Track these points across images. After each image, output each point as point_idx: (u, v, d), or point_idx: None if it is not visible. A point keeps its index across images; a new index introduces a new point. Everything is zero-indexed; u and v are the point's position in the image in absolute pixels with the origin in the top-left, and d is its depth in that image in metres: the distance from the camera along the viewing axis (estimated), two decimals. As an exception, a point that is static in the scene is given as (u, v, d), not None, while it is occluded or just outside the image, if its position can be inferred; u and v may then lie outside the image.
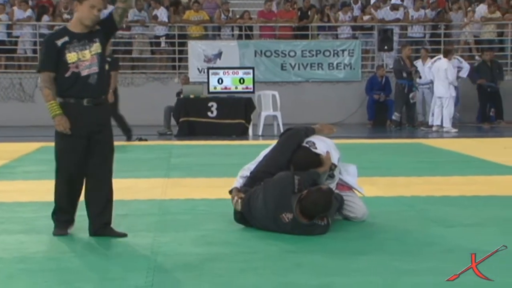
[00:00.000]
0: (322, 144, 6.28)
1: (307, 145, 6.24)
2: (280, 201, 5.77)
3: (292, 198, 5.73)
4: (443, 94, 16.50)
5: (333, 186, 6.25)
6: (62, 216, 5.83)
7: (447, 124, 16.51)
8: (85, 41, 5.58)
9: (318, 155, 6.16)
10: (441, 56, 16.96)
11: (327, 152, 6.20)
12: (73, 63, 5.54)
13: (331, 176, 6.23)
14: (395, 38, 19.32)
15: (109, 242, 5.41)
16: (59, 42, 5.57)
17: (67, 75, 5.57)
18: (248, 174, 6.31)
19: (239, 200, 6.06)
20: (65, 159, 5.70)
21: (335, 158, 6.28)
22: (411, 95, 17.30)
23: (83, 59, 5.54)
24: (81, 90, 5.59)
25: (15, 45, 19.65)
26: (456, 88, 16.68)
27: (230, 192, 6.27)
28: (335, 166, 6.27)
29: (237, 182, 6.32)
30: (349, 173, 6.58)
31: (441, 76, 16.44)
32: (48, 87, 5.62)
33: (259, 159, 6.41)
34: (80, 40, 5.58)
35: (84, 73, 5.58)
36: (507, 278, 4.28)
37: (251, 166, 6.38)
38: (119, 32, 19.80)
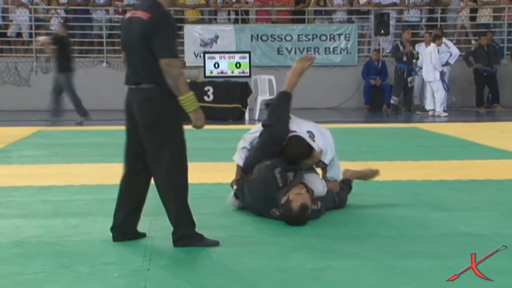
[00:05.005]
0: (321, 141, 6.19)
1: (307, 135, 6.15)
2: (266, 200, 5.77)
3: (277, 194, 5.71)
4: (429, 79, 16.59)
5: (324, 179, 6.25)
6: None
7: (438, 108, 16.55)
8: None
9: (312, 148, 6.04)
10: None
11: (321, 151, 6.13)
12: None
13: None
14: (392, 22, 19.29)
15: (106, 226, 5.40)
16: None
17: None
18: (247, 146, 6.27)
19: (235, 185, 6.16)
20: (185, 152, 5.15)
21: (328, 157, 6.22)
22: (409, 79, 17.29)
23: None
24: None
25: (10, 29, 19.61)
26: (441, 73, 16.64)
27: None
28: (325, 165, 6.23)
29: (239, 156, 6.27)
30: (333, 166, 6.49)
31: (427, 61, 16.51)
32: (183, 74, 4.93)
33: (256, 130, 6.34)
34: None
35: None
36: (507, 278, 4.29)
37: (249, 136, 6.33)
38: (115, 16, 19.76)
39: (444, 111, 16.68)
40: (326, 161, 6.21)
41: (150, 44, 4.83)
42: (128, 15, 5.09)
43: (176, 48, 4.94)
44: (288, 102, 6.35)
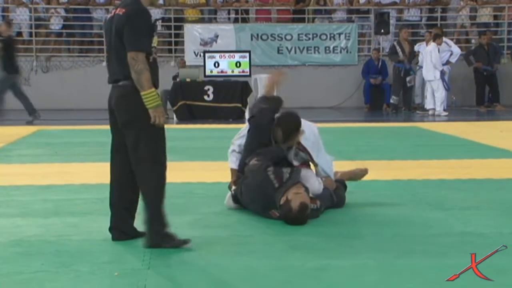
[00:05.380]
0: (305, 124, 6.28)
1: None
2: (265, 203, 5.77)
3: (275, 195, 5.69)
4: (430, 78, 16.56)
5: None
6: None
7: (438, 107, 16.54)
8: None
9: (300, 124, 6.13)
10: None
11: (302, 130, 6.17)
12: (154, 47, 5.08)
13: (296, 155, 6.17)
14: (392, 21, 19.28)
15: (106, 225, 5.40)
16: (152, 20, 5.02)
17: (150, 60, 4.91)
18: (236, 149, 6.30)
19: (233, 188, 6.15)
20: (163, 150, 5.00)
21: (309, 142, 6.25)
22: (408, 79, 17.27)
23: (155, 43, 5.17)
24: (156, 76, 5.05)
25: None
26: (442, 72, 16.64)
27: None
28: (310, 156, 6.24)
29: (232, 161, 6.31)
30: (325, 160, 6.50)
31: (427, 60, 16.49)
32: (149, 70, 4.83)
33: (242, 129, 6.39)
34: None
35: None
36: (508, 277, 4.28)
37: (236, 139, 6.35)
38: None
39: (444, 110, 16.68)
40: (308, 146, 6.21)
41: (122, 38, 4.86)
42: (110, 14, 5.12)
43: (146, 43, 4.88)
44: (267, 101, 6.42)
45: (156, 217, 4.96)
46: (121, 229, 5.18)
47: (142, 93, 4.83)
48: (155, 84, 4.95)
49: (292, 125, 6.07)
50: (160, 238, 4.96)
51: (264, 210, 5.79)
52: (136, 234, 5.21)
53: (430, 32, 17.92)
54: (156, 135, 4.94)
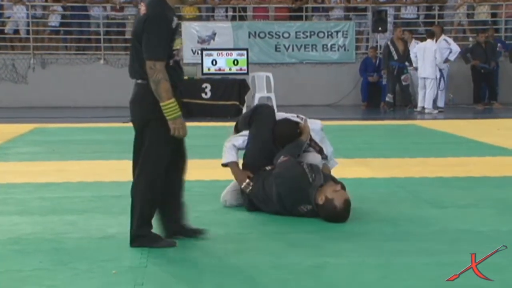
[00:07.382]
0: (311, 122, 6.31)
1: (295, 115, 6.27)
2: (298, 197, 5.73)
3: (309, 190, 5.68)
4: (429, 75, 16.49)
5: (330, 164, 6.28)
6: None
7: (429, 106, 16.54)
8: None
9: (297, 123, 6.16)
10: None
11: (305, 120, 6.20)
12: (177, 50, 4.89)
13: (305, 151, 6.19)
14: (389, 19, 19.28)
15: (104, 223, 5.41)
16: (173, 24, 4.82)
17: (170, 64, 4.81)
18: (234, 145, 6.24)
19: (250, 183, 6.00)
20: (165, 157, 4.99)
21: (317, 136, 6.29)
22: (403, 77, 17.25)
23: (179, 46, 4.94)
24: (179, 80, 4.93)
25: (8, 26, 19.59)
26: (441, 70, 16.65)
27: (225, 165, 6.22)
28: (319, 147, 6.25)
29: (230, 154, 6.21)
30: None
31: (429, 57, 16.40)
32: (168, 80, 4.70)
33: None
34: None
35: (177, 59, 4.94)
36: (507, 278, 4.28)
37: (236, 139, 6.30)
38: (112, 13, 19.75)
39: (440, 108, 16.67)
40: (318, 139, 6.25)
41: (140, 41, 4.80)
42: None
43: (164, 51, 4.74)
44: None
45: (139, 217, 4.92)
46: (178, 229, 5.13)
47: (161, 104, 4.73)
48: (176, 85, 4.83)
49: (287, 133, 6.11)
50: (143, 239, 4.93)
51: (294, 206, 5.74)
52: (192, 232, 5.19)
53: (409, 31, 18.01)
54: (161, 138, 4.86)
